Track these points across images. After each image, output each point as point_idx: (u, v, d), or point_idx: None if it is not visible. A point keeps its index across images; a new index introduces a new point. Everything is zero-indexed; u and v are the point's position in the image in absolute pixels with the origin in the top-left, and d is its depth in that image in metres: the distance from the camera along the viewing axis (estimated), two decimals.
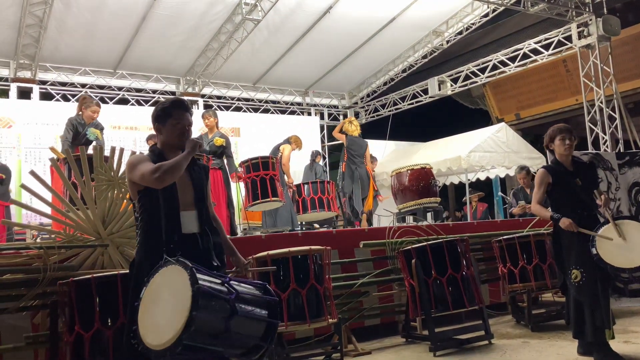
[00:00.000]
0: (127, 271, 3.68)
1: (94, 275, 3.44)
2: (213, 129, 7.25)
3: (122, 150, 4.62)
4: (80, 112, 6.63)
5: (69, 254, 4.09)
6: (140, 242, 2.76)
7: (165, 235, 2.68)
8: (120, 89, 11.64)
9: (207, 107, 12.58)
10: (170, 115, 2.88)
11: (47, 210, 4.49)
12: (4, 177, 7.28)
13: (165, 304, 2.36)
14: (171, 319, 2.28)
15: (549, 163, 4.42)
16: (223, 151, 7.12)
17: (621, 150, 9.08)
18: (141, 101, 11.93)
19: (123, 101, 11.68)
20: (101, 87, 11.51)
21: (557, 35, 10.41)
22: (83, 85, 11.26)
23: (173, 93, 12.27)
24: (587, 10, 9.67)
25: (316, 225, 8.56)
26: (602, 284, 3.89)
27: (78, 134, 6.44)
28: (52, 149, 6.33)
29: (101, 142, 6.56)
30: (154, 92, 12.03)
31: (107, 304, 3.35)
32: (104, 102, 11.49)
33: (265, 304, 2.54)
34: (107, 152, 4.52)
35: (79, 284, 3.38)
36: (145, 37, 10.29)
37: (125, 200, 4.36)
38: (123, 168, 4.45)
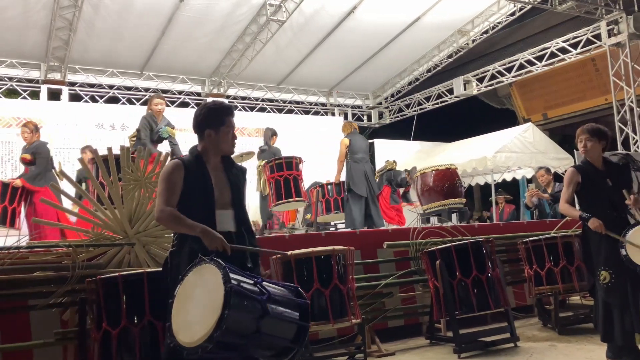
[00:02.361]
0: (154, 269, 3.76)
1: (121, 273, 3.50)
2: (161, 115, 6.73)
3: (149, 150, 4.70)
4: (149, 110, 6.68)
5: (97, 253, 4.17)
6: (179, 239, 2.79)
7: (204, 245, 2.70)
8: (146, 90, 11.82)
9: None
10: (224, 122, 2.92)
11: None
12: (32, 159, 6.55)
13: (198, 302, 2.42)
14: (203, 317, 2.33)
15: (580, 163, 4.35)
16: (169, 140, 6.67)
17: None
18: (167, 102, 12.06)
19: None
20: (128, 88, 11.71)
21: (585, 34, 10.22)
22: (111, 87, 11.48)
23: (198, 94, 12.41)
24: (617, 7, 9.47)
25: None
26: (632, 286, 3.81)
27: (152, 131, 6.51)
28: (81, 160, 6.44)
29: (175, 141, 6.58)
30: (180, 93, 12.20)
31: (134, 302, 3.39)
32: (131, 103, 11.72)
33: (297, 306, 2.56)
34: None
35: (107, 282, 3.44)
36: (171, 39, 10.43)
37: (151, 200, 4.42)
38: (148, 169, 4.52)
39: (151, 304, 3.33)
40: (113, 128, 10.69)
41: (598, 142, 4.10)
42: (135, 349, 3.27)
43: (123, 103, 11.64)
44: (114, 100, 11.59)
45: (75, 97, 11.22)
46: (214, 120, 2.91)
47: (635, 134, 9.46)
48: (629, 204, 3.93)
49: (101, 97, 11.48)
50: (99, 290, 3.44)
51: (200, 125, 2.92)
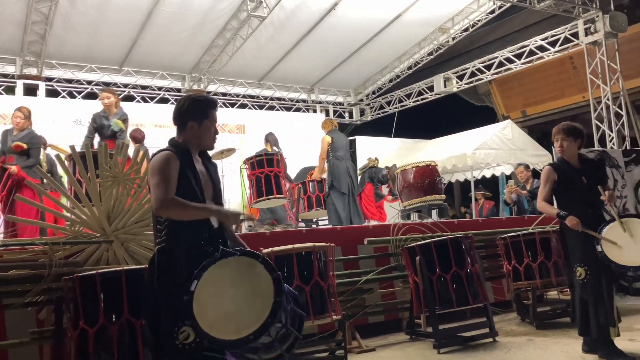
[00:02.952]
0: (133, 267, 3.72)
1: (99, 271, 3.46)
2: (112, 108, 6.48)
3: (127, 146, 4.65)
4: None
5: (74, 250, 4.11)
6: (169, 235, 2.64)
7: (199, 229, 2.66)
8: (125, 86, 11.69)
9: None
10: (207, 115, 2.85)
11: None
12: (26, 148, 6.26)
13: (234, 295, 2.46)
14: (248, 308, 2.41)
15: (556, 161, 4.41)
16: (118, 133, 6.41)
17: (628, 148, 9.03)
18: (147, 98, 11.97)
19: (129, 98, 11.72)
20: (107, 84, 11.54)
21: (563, 32, 10.36)
22: (89, 82, 11.32)
23: (178, 90, 12.30)
24: (594, 6, 9.62)
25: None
26: (607, 282, 3.88)
27: (103, 127, 6.38)
28: (52, 146, 6.31)
29: (124, 134, 6.41)
30: (160, 89, 12.08)
31: (112, 300, 3.35)
32: None
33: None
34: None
35: (84, 280, 3.39)
36: (151, 34, 10.32)
37: (130, 197, 4.37)
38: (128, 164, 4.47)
39: (130, 302, 3.29)
40: None
41: (574, 141, 4.13)
42: (113, 348, 3.23)
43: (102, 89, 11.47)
44: (92, 96, 11.42)
45: (52, 93, 11.04)
46: (198, 112, 2.83)
47: (611, 132, 9.62)
48: (604, 200, 3.99)
49: (79, 92, 11.31)
50: (75, 289, 3.39)
51: (182, 117, 2.83)
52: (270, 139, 8.22)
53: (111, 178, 4.36)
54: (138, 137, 7.75)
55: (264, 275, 2.45)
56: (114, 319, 3.30)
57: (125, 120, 6.45)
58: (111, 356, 3.23)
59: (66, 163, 5.16)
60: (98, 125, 6.39)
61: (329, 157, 7.56)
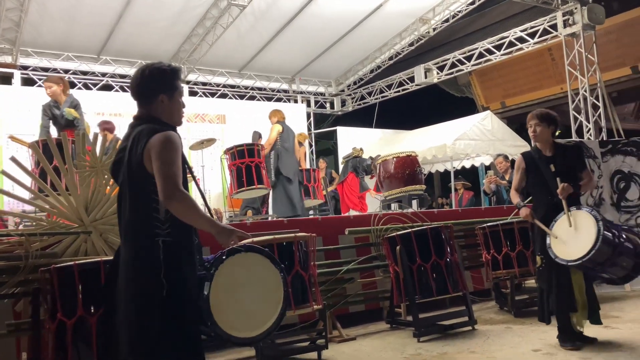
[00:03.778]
0: (111, 258, 3.68)
1: (77, 262, 3.41)
2: (59, 97, 6.23)
3: (104, 135, 4.58)
4: None
5: (52, 241, 4.05)
6: (174, 228, 2.40)
7: (192, 227, 2.50)
8: (104, 75, 11.51)
9: (192, 93, 12.51)
10: (177, 87, 2.57)
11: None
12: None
13: (250, 294, 2.56)
14: (263, 302, 2.57)
15: (529, 149, 4.47)
16: (74, 122, 6.18)
17: (604, 139, 9.17)
18: (125, 87, 11.76)
19: (107, 87, 11.55)
20: (84, 73, 11.38)
21: (542, 24, 10.44)
22: (66, 71, 11.10)
23: None
24: None
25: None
26: (559, 271, 3.97)
27: (56, 117, 6.26)
28: (12, 138, 6.18)
29: (79, 120, 6.18)
30: None
31: (91, 291, 3.31)
32: (88, 88, 11.39)
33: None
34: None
35: (61, 271, 3.35)
36: (129, 23, 10.15)
37: (108, 187, 4.32)
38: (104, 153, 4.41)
39: (108, 292, 3.25)
40: None
41: (547, 126, 4.18)
42: (92, 339, 3.20)
43: (79, 88, 11.27)
44: (69, 85, 11.21)
45: (28, 82, 10.82)
46: (168, 84, 2.53)
47: (589, 123, 9.75)
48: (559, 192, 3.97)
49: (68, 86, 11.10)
50: (53, 280, 3.35)
51: (151, 89, 2.51)
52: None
53: (90, 168, 4.30)
54: (112, 128, 7.58)
55: (271, 269, 2.60)
56: (92, 311, 3.27)
57: (76, 106, 6.21)
58: (90, 347, 3.20)
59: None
60: (51, 116, 6.21)
61: (276, 146, 7.60)
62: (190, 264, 2.46)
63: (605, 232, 3.64)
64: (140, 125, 2.50)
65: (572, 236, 3.84)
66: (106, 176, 4.31)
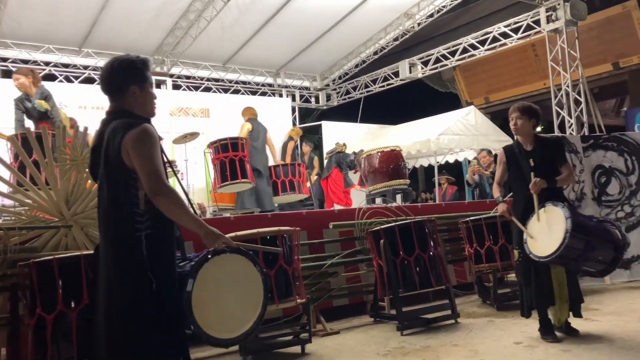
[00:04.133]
0: (92, 252, 3.63)
1: (56, 256, 3.36)
2: (29, 89, 6.10)
3: (86, 129, 4.52)
4: None
5: (31, 236, 3.99)
6: (155, 221, 2.37)
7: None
8: (86, 67, 11.35)
9: (175, 87, 12.39)
10: (147, 78, 2.53)
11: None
12: None
13: (231, 295, 2.54)
14: (243, 304, 2.56)
15: (511, 143, 4.50)
16: (48, 113, 6.04)
17: (586, 134, 9.27)
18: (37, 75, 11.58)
19: (89, 80, 11.38)
20: (66, 65, 11.22)
21: (526, 19, 10.51)
22: (47, 64, 10.96)
23: None
24: None
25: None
26: (537, 265, 4.01)
27: (29, 110, 6.10)
28: None
29: (53, 111, 6.05)
30: None
31: (71, 286, 3.27)
32: (69, 81, 11.24)
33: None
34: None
35: (40, 265, 3.29)
36: (112, 15, 10.02)
37: (89, 181, 4.26)
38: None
39: (89, 288, 3.22)
40: None
41: (528, 120, 4.20)
42: (72, 335, 3.16)
43: (60, 81, 11.13)
44: (50, 77, 11.05)
45: (7, 74, 10.60)
46: (139, 75, 2.50)
47: (571, 118, 9.85)
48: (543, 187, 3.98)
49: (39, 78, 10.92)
50: (32, 275, 3.29)
51: (122, 81, 2.47)
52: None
53: (70, 161, 4.24)
54: (74, 124, 7.44)
55: (253, 273, 2.60)
56: (73, 305, 3.22)
57: (47, 97, 6.07)
58: (70, 343, 3.15)
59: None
60: (24, 110, 6.10)
61: None
62: (173, 257, 2.44)
63: (572, 233, 3.63)
64: (114, 120, 2.47)
65: (544, 232, 3.86)
66: (87, 170, 4.25)
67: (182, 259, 2.53)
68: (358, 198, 9.51)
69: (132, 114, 2.48)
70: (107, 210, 2.43)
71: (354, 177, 10.31)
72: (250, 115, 8.00)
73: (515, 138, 4.36)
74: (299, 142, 10.95)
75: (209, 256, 2.48)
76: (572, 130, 9.73)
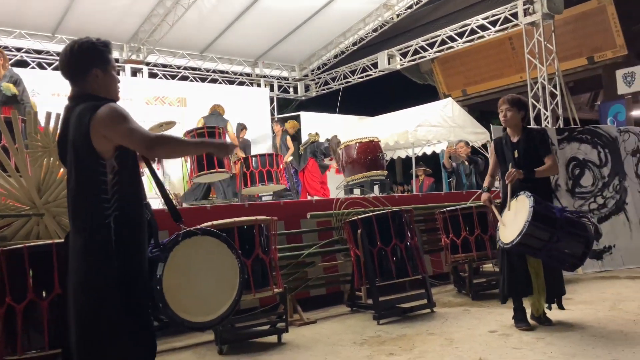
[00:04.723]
0: (63, 240, 3.56)
1: (27, 244, 3.28)
2: None
3: (58, 115, 4.41)
4: None
5: (1, 224, 3.89)
6: (123, 202, 2.31)
7: (141, 194, 2.42)
8: (59, 54, 11.05)
9: (152, 75, 12.21)
10: (109, 61, 2.45)
11: None
12: None
13: (204, 278, 2.48)
14: (217, 287, 2.50)
15: (500, 135, 4.59)
16: (16, 97, 5.74)
17: (561, 126, 9.40)
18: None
19: None
20: (38, 52, 10.96)
21: (504, 12, 10.58)
22: (18, 49, 10.70)
23: (116, 60, 11.79)
24: None
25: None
26: (512, 254, 4.11)
27: None
28: None
29: (21, 96, 5.75)
30: None
31: (42, 275, 3.20)
32: (42, 67, 10.99)
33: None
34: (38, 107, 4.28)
35: (10, 254, 3.22)
36: (86, 0, 9.80)
37: (62, 169, 4.17)
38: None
39: (60, 277, 3.15)
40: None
41: (517, 111, 4.28)
42: (44, 324, 3.10)
43: (32, 67, 10.88)
44: (22, 64, 10.80)
45: None
46: (101, 57, 2.42)
47: (547, 111, 9.97)
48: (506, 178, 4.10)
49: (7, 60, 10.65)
50: (1, 264, 3.21)
51: (83, 64, 2.38)
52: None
53: (42, 148, 4.14)
54: None
55: (227, 254, 2.55)
56: (44, 295, 3.16)
57: (16, 82, 5.79)
58: (41, 332, 3.09)
59: None
60: None
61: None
62: (143, 242, 2.38)
63: (533, 222, 3.71)
64: (78, 105, 2.38)
65: (511, 220, 3.97)
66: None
67: (154, 245, 2.45)
68: (335, 190, 9.51)
69: (96, 97, 2.39)
70: (74, 196, 2.36)
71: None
72: (211, 110, 8.17)
73: (503, 128, 4.42)
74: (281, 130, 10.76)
75: (180, 239, 2.42)
76: (548, 122, 9.86)
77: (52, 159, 4.16)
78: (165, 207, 2.56)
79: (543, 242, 3.79)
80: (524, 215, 3.79)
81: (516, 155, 4.21)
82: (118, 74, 2.58)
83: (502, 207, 4.22)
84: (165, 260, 2.35)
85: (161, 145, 2.30)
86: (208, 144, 2.51)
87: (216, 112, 8.16)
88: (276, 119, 11.03)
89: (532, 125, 9.64)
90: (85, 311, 2.29)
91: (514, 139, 4.30)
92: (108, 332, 2.26)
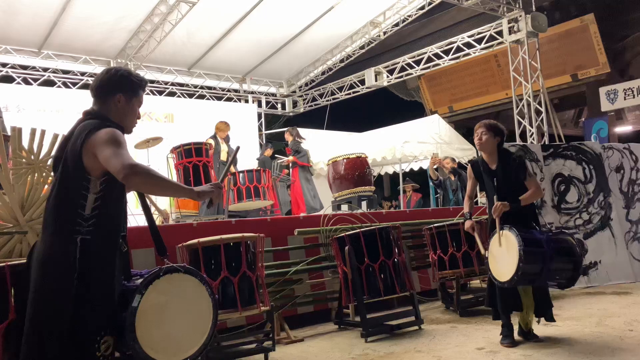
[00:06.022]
0: None
1: (8, 263, 3.22)
2: None
3: (43, 132, 4.37)
4: None
5: None
6: (97, 226, 2.30)
7: (120, 222, 2.41)
8: (45, 70, 11.06)
9: None
10: (137, 94, 2.53)
11: None
12: None
13: (175, 314, 2.41)
14: (189, 328, 2.43)
15: (476, 159, 4.58)
16: None
17: (546, 143, 9.50)
18: (68, 83, 11.37)
19: (48, 83, 11.10)
20: (24, 67, 10.90)
21: (489, 30, 10.74)
22: (4, 65, 10.62)
23: None
24: (517, 6, 10.05)
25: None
26: None
27: None
28: None
29: None
30: (83, 74, 11.48)
31: (24, 295, 3.13)
32: (28, 83, 10.92)
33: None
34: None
35: None
36: (73, 16, 9.79)
37: (46, 186, 4.13)
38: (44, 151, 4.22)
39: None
40: (7, 109, 9.87)
41: (493, 136, 4.24)
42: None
43: (18, 83, 10.80)
44: (7, 79, 10.74)
45: None
46: (131, 87, 2.50)
47: (532, 127, 10.09)
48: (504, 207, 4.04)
49: None
50: None
51: (111, 86, 2.45)
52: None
53: (26, 165, 4.10)
54: None
55: (204, 297, 2.49)
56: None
57: None
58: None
59: None
60: None
61: None
62: (108, 268, 2.32)
63: (524, 264, 3.73)
64: (87, 121, 2.41)
65: (504, 256, 3.93)
66: (44, 174, 4.12)
67: (125, 277, 2.42)
68: (325, 203, 9.48)
69: (108, 119, 2.43)
70: (52, 205, 2.35)
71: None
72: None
73: (479, 154, 4.43)
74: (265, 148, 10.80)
75: (161, 273, 2.38)
76: (533, 139, 9.97)
77: (36, 175, 4.11)
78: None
79: (536, 275, 3.85)
80: (515, 256, 3.77)
81: (496, 183, 4.19)
82: (140, 117, 2.63)
83: (490, 228, 4.19)
84: (143, 293, 2.31)
85: (137, 174, 2.21)
86: (188, 191, 2.41)
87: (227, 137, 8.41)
88: (270, 146, 11.08)
89: (518, 141, 9.74)
90: (32, 323, 2.27)
91: (492, 166, 4.26)
92: (51, 343, 2.23)
